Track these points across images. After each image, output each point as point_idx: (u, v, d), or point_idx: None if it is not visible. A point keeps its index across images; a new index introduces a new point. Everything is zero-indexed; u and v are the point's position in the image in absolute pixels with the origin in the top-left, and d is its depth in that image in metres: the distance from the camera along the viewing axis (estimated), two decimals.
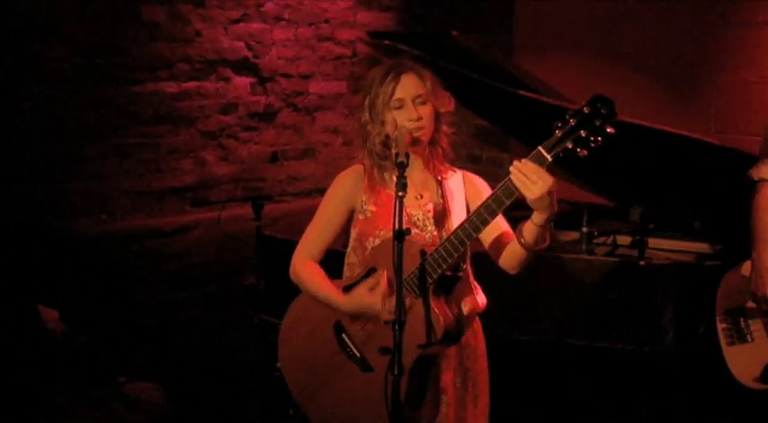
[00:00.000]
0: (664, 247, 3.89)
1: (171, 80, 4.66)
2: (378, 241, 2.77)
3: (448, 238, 2.61)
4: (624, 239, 3.99)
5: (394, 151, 2.63)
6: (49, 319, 3.76)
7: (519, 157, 2.48)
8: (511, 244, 2.67)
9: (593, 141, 2.38)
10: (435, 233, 2.77)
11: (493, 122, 4.64)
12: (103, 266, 4.43)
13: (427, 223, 2.78)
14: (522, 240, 2.60)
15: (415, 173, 2.80)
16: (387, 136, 2.70)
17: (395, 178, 2.54)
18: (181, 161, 4.73)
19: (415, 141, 2.70)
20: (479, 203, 2.63)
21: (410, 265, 2.61)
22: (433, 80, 2.75)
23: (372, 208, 2.80)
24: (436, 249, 2.61)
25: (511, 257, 2.69)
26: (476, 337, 2.85)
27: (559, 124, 2.41)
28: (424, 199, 2.81)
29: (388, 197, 2.74)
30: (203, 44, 4.74)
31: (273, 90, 5.01)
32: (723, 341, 3.32)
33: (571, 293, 3.60)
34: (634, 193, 4.08)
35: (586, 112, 2.37)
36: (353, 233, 2.85)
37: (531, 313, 3.64)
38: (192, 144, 4.76)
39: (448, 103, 2.78)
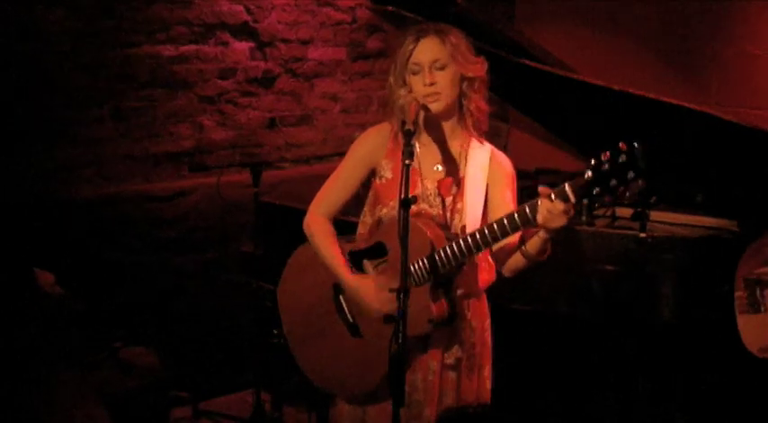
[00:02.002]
0: (665, 220, 3.88)
1: (169, 43, 4.60)
2: (386, 211, 2.75)
3: (457, 243, 2.57)
4: (625, 212, 3.98)
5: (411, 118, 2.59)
6: (46, 283, 3.73)
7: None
8: (515, 254, 2.65)
9: (620, 192, 2.28)
10: (441, 212, 2.72)
11: (495, 91, 4.61)
12: (100, 231, 4.41)
13: (438, 199, 2.73)
14: (524, 250, 2.59)
15: (438, 142, 2.74)
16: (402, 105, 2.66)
17: (417, 145, 2.51)
18: (178, 126, 4.69)
19: (425, 109, 2.65)
20: (497, 193, 2.67)
21: (415, 254, 2.57)
22: (457, 44, 2.67)
23: (389, 175, 2.77)
24: (444, 248, 2.58)
25: (513, 265, 2.69)
26: (473, 310, 2.82)
27: (592, 163, 2.30)
28: (442, 172, 2.75)
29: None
30: (202, 7, 4.67)
31: (272, 55, 4.96)
32: (737, 309, 3.34)
33: (571, 265, 3.59)
34: None
35: (623, 160, 2.25)
36: (371, 192, 2.84)
37: (529, 284, 3.62)
38: (189, 108, 4.71)
39: (477, 69, 2.70)
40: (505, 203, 2.71)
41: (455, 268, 2.64)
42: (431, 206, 2.73)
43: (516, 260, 2.65)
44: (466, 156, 2.74)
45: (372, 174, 2.81)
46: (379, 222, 2.78)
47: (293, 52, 5.03)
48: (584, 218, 3.90)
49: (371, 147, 2.79)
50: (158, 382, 3.97)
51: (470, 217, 2.70)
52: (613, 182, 2.27)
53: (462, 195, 2.72)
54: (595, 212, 3.99)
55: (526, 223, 2.47)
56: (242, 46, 4.84)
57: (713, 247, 3.54)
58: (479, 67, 2.71)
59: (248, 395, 4.32)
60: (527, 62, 3.75)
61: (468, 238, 2.56)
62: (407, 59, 2.66)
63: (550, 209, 2.39)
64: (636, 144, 2.26)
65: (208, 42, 4.72)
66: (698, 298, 3.50)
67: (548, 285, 3.61)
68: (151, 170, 4.63)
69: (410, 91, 2.66)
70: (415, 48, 2.66)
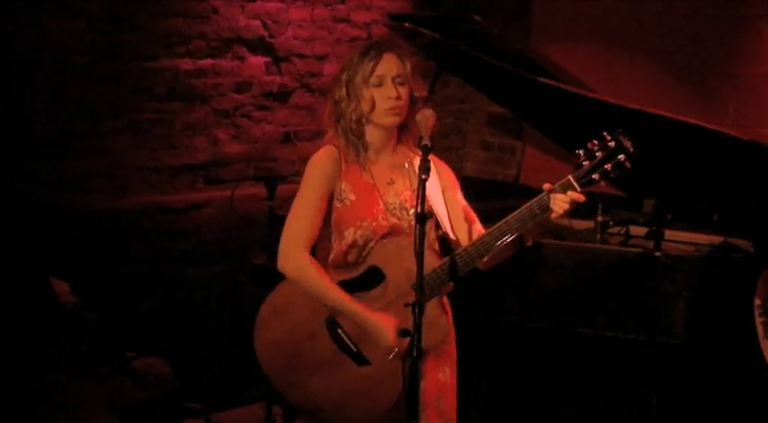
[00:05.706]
0: (680, 239, 3.87)
1: (186, 57, 4.64)
2: (359, 232, 2.76)
3: (466, 250, 2.66)
4: (638, 230, 3.97)
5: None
6: (61, 292, 3.76)
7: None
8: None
9: (613, 175, 2.51)
10: (414, 223, 2.71)
11: (509, 108, 4.62)
12: (115, 241, 4.43)
13: (404, 212, 2.78)
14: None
15: (386, 156, 2.81)
16: (361, 114, 2.72)
17: (369, 157, 2.68)
18: (194, 138, 4.72)
19: (392, 122, 2.72)
20: (450, 196, 2.79)
21: (405, 266, 2.65)
22: (412, 64, 2.76)
23: (352, 197, 2.77)
24: (457, 256, 2.66)
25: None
26: (448, 310, 2.87)
27: (583, 154, 2.53)
28: (396, 185, 2.80)
29: (366, 185, 2.76)
30: (219, 22, 4.71)
31: (288, 70, 4.99)
32: (761, 333, 3.31)
33: (585, 282, 3.59)
34: (649, 184, 4.06)
35: (612, 146, 2.49)
36: (332, 218, 2.81)
37: (543, 301, 3.63)
38: (205, 122, 4.74)
39: (422, 89, 2.80)
40: (460, 203, 2.86)
41: (461, 273, 2.69)
42: (399, 220, 2.77)
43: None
44: (413, 168, 2.76)
45: (330, 199, 2.79)
46: (353, 245, 2.78)
47: (309, 67, 5.06)
48: (598, 235, 3.91)
49: (330, 171, 2.77)
50: (170, 393, 3.98)
51: (445, 222, 2.79)
52: (608, 166, 2.50)
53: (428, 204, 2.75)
54: (610, 231, 3.99)
55: (534, 218, 2.60)
56: (258, 60, 4.87)
57: (727, 267, 3.54)
58: (424, 88, 2.81)
59: (260, 408, 4.32)
60: (543, 80, 3.76)
61: (485, 237, 2.64)
62: (370, 72, 2.70)
63: (565, 200, 2.55)
64: (618, 130, 2.51)
65: (224, 56, 4.75)
66: (711, 317, 3.49)
67: (562, 303, 3.61)
68: (166, 182, 4.66)
69: (373, 105, 2.71)
70: (377, 63, 2.71)
